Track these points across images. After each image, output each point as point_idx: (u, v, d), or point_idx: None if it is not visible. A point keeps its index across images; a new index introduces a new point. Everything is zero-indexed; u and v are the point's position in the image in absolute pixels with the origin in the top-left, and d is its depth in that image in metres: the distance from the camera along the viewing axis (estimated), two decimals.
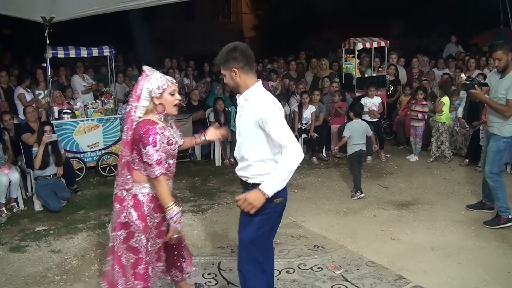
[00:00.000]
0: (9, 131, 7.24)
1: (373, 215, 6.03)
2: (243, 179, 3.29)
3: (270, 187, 3.03)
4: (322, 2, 21.34)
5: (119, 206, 3.44)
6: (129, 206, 3.38)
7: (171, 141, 3.36)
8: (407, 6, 18.96)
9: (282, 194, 3.21)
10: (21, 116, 7.98)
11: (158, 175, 3.22)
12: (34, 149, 6.71)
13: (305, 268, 4.65)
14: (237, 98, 3.30)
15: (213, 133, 3.84)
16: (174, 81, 3.40)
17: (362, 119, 7.29)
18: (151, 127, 3.21)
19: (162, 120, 3.36)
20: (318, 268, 4.65)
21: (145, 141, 3.19)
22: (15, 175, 6.63)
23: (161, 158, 3.24)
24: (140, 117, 3.31)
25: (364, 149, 7.10)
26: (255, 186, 3.13)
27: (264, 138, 3.12)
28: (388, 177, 7.59)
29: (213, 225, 5.91)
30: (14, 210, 6.60)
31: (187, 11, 23.99)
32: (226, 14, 27.99)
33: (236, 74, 3.14)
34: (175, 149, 3.45)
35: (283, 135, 3.02)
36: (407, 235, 5.40)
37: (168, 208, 3.24)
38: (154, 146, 3.20)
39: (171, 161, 3.44)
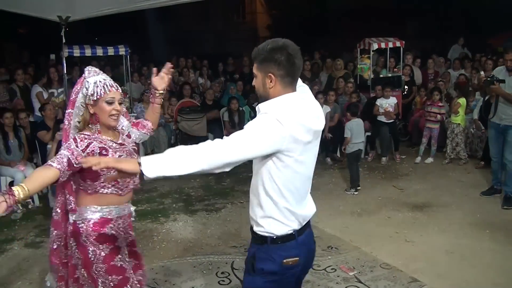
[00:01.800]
0: (25, 129, 7.32)
1: (388, 217, 5.99)
2: (251, 221, 2.53)
3: (151, 161, 2.17)
4: (337, 2, 21.28)
5: (57, 231, 2.98)
6: (68, 234, 2.90)
7: (105, 153, 2.78)
8: (422, 6, 18.82)
9: (297, 251, 2.45)
10: (37, 113, 8.05)
11: (51, 163, 2.59)
12: (49, 146, 6.77)
13: (318, 269, 4.63)
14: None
15: (158, 81, 3.18)
16: (116, 87, 2.86)
17: (358, 117, 7.35)
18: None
19: (100, 131, 2.85)
20: (332, 269, 4.63)
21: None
22: (30, 172, 6.70)
23: (64, 156, 2.64)
24: (76, 127, 2.84)
25: (363, 148, 7.29)
26: (263, 238, 2.42)
27: (273, 165, 2.33)
28: (403, 179, 7.54)
29: (227, 224, 5.91)
30: (29, 207, 6.67)
31: (202, 11, 24.06)
32: (241, 14, 28.01)
33: (271, 81, 2.35)
34: None
35: (237, 134, 2.27)
36: (421, 237, 5.36)
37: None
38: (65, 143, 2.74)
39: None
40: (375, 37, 9.90)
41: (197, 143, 2.29)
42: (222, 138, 2.26)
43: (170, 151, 2.23)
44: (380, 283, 4.36)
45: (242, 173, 8.04)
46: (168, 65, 3.16)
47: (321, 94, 8.80)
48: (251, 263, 2.49)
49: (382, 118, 8.48)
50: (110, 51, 8.42)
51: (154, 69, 3.12)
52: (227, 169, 2.33)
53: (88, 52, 8.18)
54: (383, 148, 8.52)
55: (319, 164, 8.26)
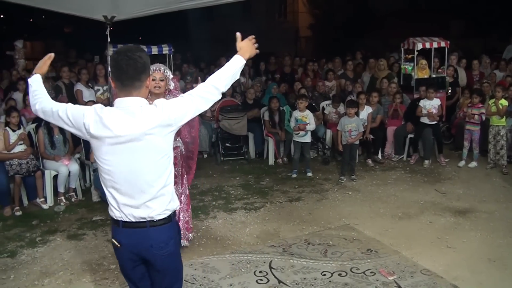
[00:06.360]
0: None
1: (429, 221, 5.87)
2: None
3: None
4: (379, 2, 20.97)
5: None
6: None
7: None
8: (468, 5, 18.30)
9: (117, 236, 2.74)
10: None
11: None
12: None
13: (357, 272, 4.58)
14: None
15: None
16: (158, 70, 4.55)
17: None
18: None
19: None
20: (371, 272, 4.57)
21: None
22: (74, 166, 6.89)
23: None
24: None
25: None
26: None
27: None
28: (445, 183, 7.36)
29: (265, 223, 5.92)
30: (73, 200, 6.87)
31: (244, 10, 24.12)
32: (283, 13, 27.95)
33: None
34: None
35: None
36: (463, 244, 5.23)
37: None
38: None
39: None
40: (418, 36, 9.70)
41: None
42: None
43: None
44: None
45: (281, 172, 8.05)
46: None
47: (363, 94, 8.70)
48: None
49: (425, 120, 8.29)
50: (154, 50, 8.53)
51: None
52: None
53: None
54: (426, 150, 8.34)
55: (360, 166, 8.28)
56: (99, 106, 2.64)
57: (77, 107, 2.72)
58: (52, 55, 3.17)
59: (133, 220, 2.66)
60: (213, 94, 2.71)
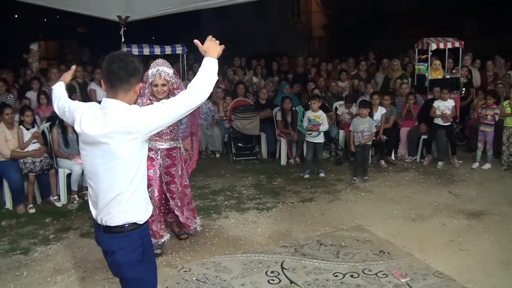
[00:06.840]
0: None
1: (442, 224, 5.82)
2: None
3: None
4: (392, 2, 20.88)
5: None
6: None
7: None
8: (482, 5, 18.15)
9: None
10: None
11: None
12: None
13: (369, 273, 4.56)
14: None
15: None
16: (159, 75, 4.68)
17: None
18: None
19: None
20: (383, 274, 4.55)
21: None
22: None
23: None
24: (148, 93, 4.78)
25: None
26: None
27: None
28: (459, 184, 7.30)
29: (277, 223, 5.91)
30: (86, 198, 6.89)
31: (257, 10, 24.13)
32: (296, 13, 27.95)
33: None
34: None
35: None
36: (476, 247, 5.18)
37: None
38: None
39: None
40: (432, 37, 9.63)
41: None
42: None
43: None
44: None
45: (294, 173, 8.04)
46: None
47: (376, 95, 8.64)
48: None
49: (439, 121, 8.23)
50: (168, 50, 8.57)
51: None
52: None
53: (146, 51, 8.34)
54: (440, 152, 8.28)
55: (373, 166, 8.22)
56: (89, 104, 2.81)
57: (76, 103, 2.93)
58: (74, 67, 3.56)
59: (97, 222, 2.77)
60: (195, 99, 2.65)
